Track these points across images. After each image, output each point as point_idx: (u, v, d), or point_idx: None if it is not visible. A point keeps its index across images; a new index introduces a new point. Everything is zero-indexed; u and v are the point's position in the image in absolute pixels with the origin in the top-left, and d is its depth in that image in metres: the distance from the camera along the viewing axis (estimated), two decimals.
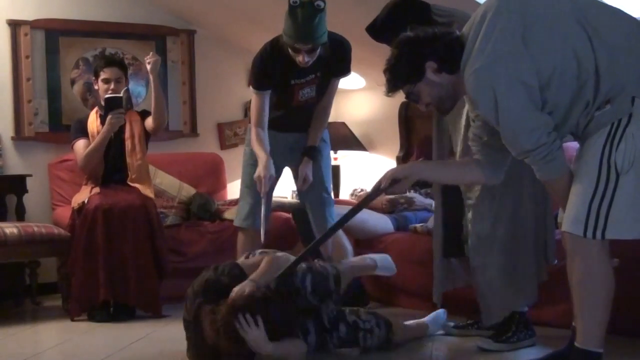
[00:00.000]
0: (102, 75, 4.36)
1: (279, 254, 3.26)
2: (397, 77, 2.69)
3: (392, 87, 2.72)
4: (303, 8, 3.41)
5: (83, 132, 4.43)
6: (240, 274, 3.09)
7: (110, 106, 4.28)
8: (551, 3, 2.57)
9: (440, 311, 3.64)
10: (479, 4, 3.76)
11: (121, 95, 4.31)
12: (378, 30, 3.30)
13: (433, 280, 3.59)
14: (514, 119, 2.51)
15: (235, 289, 2.97)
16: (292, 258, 3.17)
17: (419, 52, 2.64)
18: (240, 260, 3.31)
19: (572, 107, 2.54)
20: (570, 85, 2.51)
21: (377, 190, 2.91)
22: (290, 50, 3.54)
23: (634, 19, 2.64)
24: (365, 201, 3.00)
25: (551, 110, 2.54)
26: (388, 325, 3.31)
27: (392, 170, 2.91)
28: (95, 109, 4.48)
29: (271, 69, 3.67)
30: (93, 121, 4.41)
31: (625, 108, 2.46)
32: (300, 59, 3.54)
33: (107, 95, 4.32)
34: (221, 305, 2.93)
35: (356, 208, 3.04)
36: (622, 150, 2.45)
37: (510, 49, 2.49)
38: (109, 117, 4.27)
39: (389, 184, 2.85)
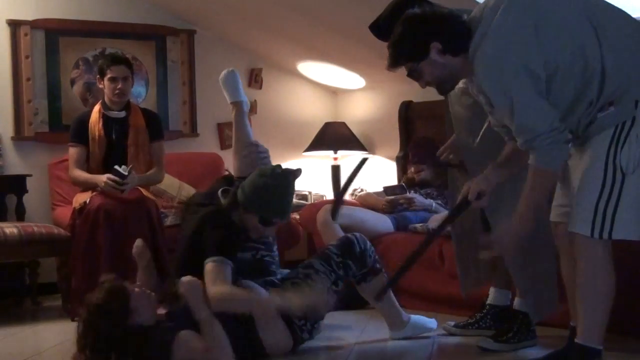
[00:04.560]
0: (109, 74, 4.31)
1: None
2: (400, 53, 2.68)
3: (394, 63, 2.71)
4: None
5: (81, 136, 4.37)
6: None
7: (114, 174, 4.18)
8: (563, 1, 2.58)
9: (432, 321, 3.57)
10: (478, 3, 3.78)
11: (126, 174, 4.16)
12: (381, 28, 3.30)
13: (464, 272, 3.54)
14: (528, 101, 2.51)
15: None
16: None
17: (425, 31, 2.64)
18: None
19: (575, 104, 2.55)
20: (574, 83, 2.53)
21: (465, 204, 2.83)
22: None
23: (638, 21, 2.67)
24: (451, 218, 2.99)
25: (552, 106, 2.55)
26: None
27: (475, 183, 2.81)
28: (98, 107, 4.42)
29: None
30: (95, 122, 4.36)
31: (629, 111, 2.49)
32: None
33: (116, 167, 4.16)
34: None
35: (440, 227, 3.01)
36: (627, 151, 2.49)
37: (522, 38, 2.50)
38: (107, 179, 4.14)
39: (474, 197, 2.79)
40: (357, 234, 3.46)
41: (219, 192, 3.35)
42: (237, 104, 3.83)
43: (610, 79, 2.49)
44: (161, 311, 3.00)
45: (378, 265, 3.45)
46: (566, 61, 2.51)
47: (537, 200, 2.68)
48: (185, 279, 3.00)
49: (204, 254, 3.15)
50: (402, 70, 2.76)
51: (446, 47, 2.62)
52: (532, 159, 2.59)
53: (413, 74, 2.71)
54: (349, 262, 3.34)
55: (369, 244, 3.44)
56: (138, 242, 3.42)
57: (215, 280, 3.06)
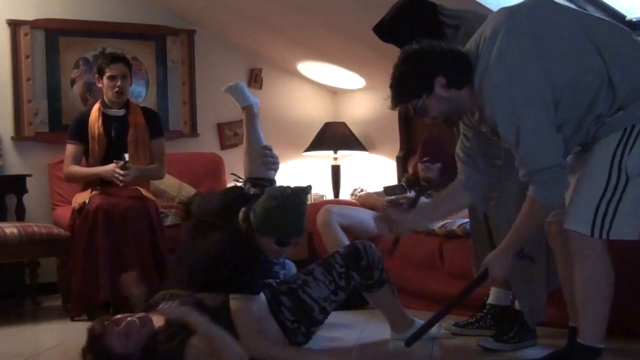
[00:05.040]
0: (108, 72, 4.33)
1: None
2: (405, 92, 2.64)
3: (398, 102, 2.68)
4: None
5: (80, 134, 4.38)
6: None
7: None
8: (559, 20, 2.58)
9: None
10: (479, 4, 3.78)
11: (127, 160, 4.23)
12: (385, 30, 3.29)
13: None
14: (535, 133, 2.50)
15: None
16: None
17: (428, 66, 2.61)
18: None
19: (583, 119, 2.55)
20: (583, 100, 2.53)
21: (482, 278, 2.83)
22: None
23: (627, 30, 2.68)
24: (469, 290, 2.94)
25: (562, 124, 2.56)
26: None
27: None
28: (98, 105, 4.43)
29: None
30: (95, 120, 4.37)
31: (638, 114, 2.50)
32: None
33: (124, 156, 4.25)
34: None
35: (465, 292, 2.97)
36: (635, 155, 2.49)
37: (528, 64, 2.50)
38: (115, 170, 4.20)
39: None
40: (367, 244, 3.37)
41: (240, 215, 3.27)
42: (247, 108, 3.85)
43: (619, 88, 2.50)
44: (160, 320, 2.95)
45: (384, 277, 3.40)
46: (572, 81, 2.51)
47: (529, 232, 2.69)
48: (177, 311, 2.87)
49: (223, 278, 3.11)
50: None
51: (450, 81, 2.60)
52: (531, 191, 2.59)
53: (418, 112, 2.67)
54: (352, 273, 3.27)
55: (377, 256, 3.36)
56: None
57: (249, 329, 3.04)
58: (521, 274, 3.19)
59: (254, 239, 3.19)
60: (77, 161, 4.40)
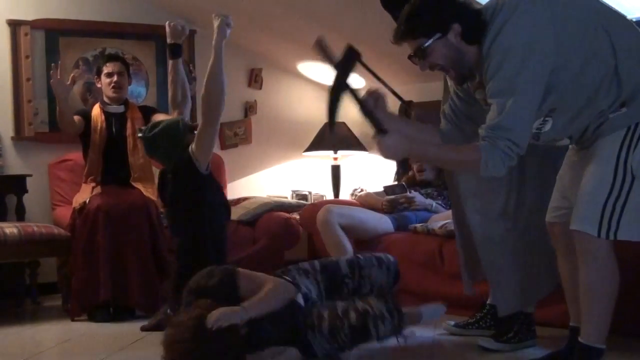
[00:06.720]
0: (105, 70, 4.45)
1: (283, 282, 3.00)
2: (418, 25, 2.56)
3: (405, 35, 2.59)
4: None
5: (83, 115, 4.45)
6: (232, 285, 2.95)
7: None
8: (578, 6, 2.56)
9: (440, 306, 3.50)
10: (479, 4, 3.77)
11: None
12: (390, 1, 3.25)
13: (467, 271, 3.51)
14: (525, 111, 2.47)
15: (219, 311, 2.79)
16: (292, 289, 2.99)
17: (450, 9, 2.56)
18: (245, 271, 3.05)
19: (582, 110, 2.54)
20: (583, 90, 2.51)
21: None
22: None
23: (633, 22, 2.67)
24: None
25: (555, 108, 2.54)
26: (399, 313, 3.05)
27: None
28: (98, 104, 4.51)
29: None
30: (97, 115, 4.44)
31: None
32: None
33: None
34: (195, 305, 2.85)
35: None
36: (639, 154, 2.48)
37: (540, 40, 2.46)
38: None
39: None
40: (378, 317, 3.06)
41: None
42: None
43: (625, 82, 2.49)
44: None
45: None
46: (576, 69, 2.49)
47: (434, 160, 2.81)
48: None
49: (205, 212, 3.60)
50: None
51: (465, 32, 2.55)
52: (483, 148, 2.49)
53: (418, 53, 2.60)
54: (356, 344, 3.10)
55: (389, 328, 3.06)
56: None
57: None
58: (492, 265, 3.23)
59: (193, 162, 3.59)
60: (75, 123, 4.38)
